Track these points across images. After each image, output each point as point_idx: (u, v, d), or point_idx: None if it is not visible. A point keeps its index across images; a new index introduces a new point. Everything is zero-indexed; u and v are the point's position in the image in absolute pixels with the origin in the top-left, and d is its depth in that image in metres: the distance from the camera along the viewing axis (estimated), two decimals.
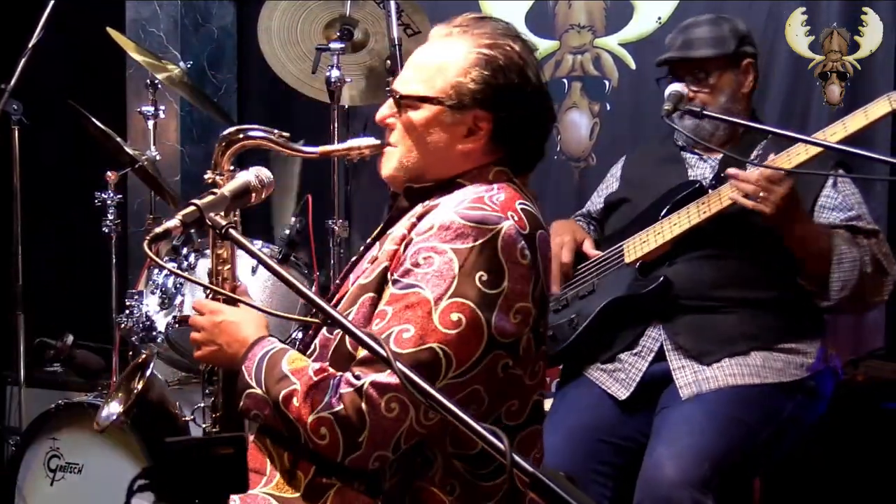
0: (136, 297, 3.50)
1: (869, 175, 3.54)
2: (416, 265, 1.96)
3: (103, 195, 3.73)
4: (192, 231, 3.26)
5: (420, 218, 2.05)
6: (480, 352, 1.94)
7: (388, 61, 3.25)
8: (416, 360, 1.88)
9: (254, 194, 2.02)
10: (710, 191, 3.01)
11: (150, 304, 3.50)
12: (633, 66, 4.35)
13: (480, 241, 1.94)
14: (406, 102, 2.12)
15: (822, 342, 3.02)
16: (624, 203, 3.25)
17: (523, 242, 1.98)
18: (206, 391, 2.23)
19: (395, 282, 1.99)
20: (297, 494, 2.01)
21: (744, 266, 2.98)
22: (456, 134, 2.09)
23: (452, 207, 2.00)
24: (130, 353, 3.76)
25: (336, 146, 2.23)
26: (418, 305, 1.92)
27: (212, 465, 1.69)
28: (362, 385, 1.90)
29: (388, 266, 2.03)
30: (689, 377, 2.90)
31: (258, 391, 2.00)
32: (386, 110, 2.16)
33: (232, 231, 1.83)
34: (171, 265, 3.36)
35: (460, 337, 1.91)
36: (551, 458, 2.85)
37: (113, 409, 2.10)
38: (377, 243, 2.15)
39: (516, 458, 1.48)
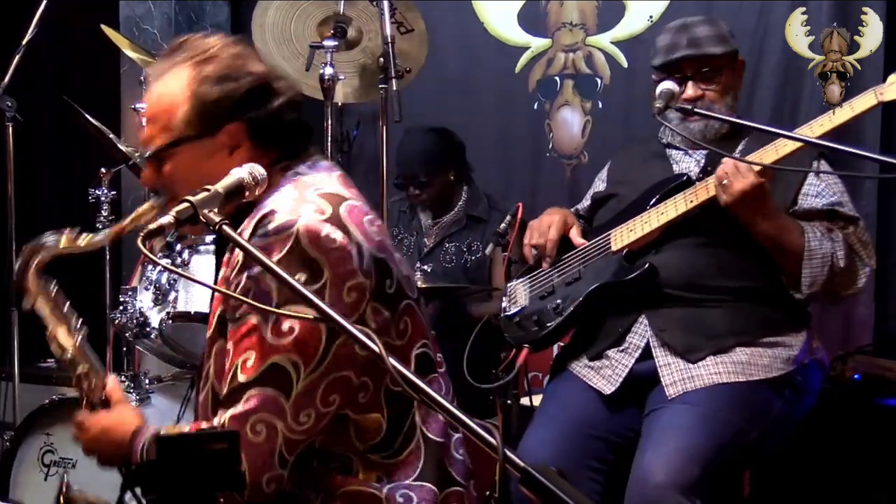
0: (129, 293, 3.51)
1: (859, 173, 3.56)
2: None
3: (97, 191, 3.75)
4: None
5: (233, 251, 2.07)
6: (324, 345, 1.96)
7: (382, 59, 3.26)
8: (266, 377, 1.93)
9: (247, 191, 2.03)
10: (697, 182, 3.03)
11: (144, 300, 3.51)
12: (624, 64, 4.37)
13: (285, 249, 1.96)
14: (160, 157, 2.11)
15: (808, 334, 3.04)
16: (611, 198, 3.27)
17: (328, 226, 1.99)
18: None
19: (230, 320, 2.03)
20: None
21: (730, 255, 2.99)
22: (220, 158, 2.09)
23: (251, 231, 2.01)
24: (124, 348, 3.78)
25: (122, 223, 2.17)
26: (250, 332, 1.96)
27: (205, 460, 1.70)
28: (222, 423, 1.95)
29: (224, 308, 2.06)
30: (675, 375, 2.91)
31: None
32: (148, 175, 2.15)
33: (225, 227, 1.84)
34: (165, 261, 3.38)
35: (297, 342, 1.94)
36: (542, 453, 2.88)
37: None
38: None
39: (508, 453, 1.49)
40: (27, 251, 2.19)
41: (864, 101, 2.75)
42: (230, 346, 2.00)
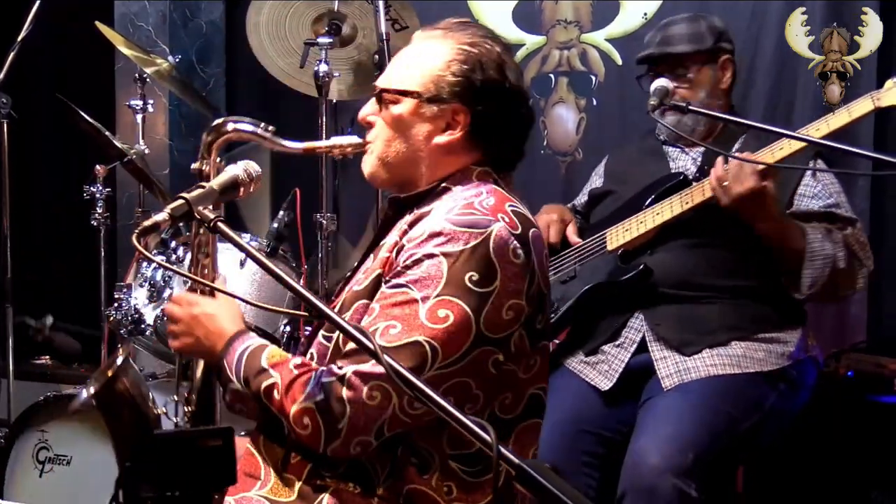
0: (124, 290, 3.50)
1: (852, 170, 3.57)
2: (407, 268, 2.00)
3: (92, 189, 3.74)
4: (181, 224, 3.27)
5: (412, 225, 2.08)
6: (468, 346, 1.97)
7: (376, 56, 3.27)
8: (404, 350, 1.92)
9: (242, 188, 2.03)
10: (694, 182, 3.05)
11: (139, 296, 3.51)
12: (619, 61, 4.37)
13: (472, 244, 1.98)
14: (387, 97, 2.15)
15: (803, 331, 3.06)
16: (608, 195, 3.30)
17: (516, 242, 2.02)
18: (181, 385, 2.25)
19: (386, 282, 2.03)
20: (293, 497, 2.05)
21: (725, 255, 3.02)
22: (434, 127, 2.12)
23: (443, 215, 2.03)
24: (119, 345, 3.78)
25: (320, 143, 2.26)
26: (406, 304, 1.97)
27: (200, 456, 1.70)
28: (344, 374, 1.95)
29: (382, 272, 2.07)
30: (671, 368, 2.93)
31: (237, 385, 2.05)
32: (368, 108, 2.20)
33: (220, 224, 1.85)
34: (160, 258, 3.38)
35: (447, 332, 1.95)
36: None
37: (85, 393, 2.14)
38: (370, 255, 2.18)
39: (502, 450, 1.50)
40: (222, 121, 2.21)
41: (861, 107, 2.78)
42: (376, 305, 2.01)
